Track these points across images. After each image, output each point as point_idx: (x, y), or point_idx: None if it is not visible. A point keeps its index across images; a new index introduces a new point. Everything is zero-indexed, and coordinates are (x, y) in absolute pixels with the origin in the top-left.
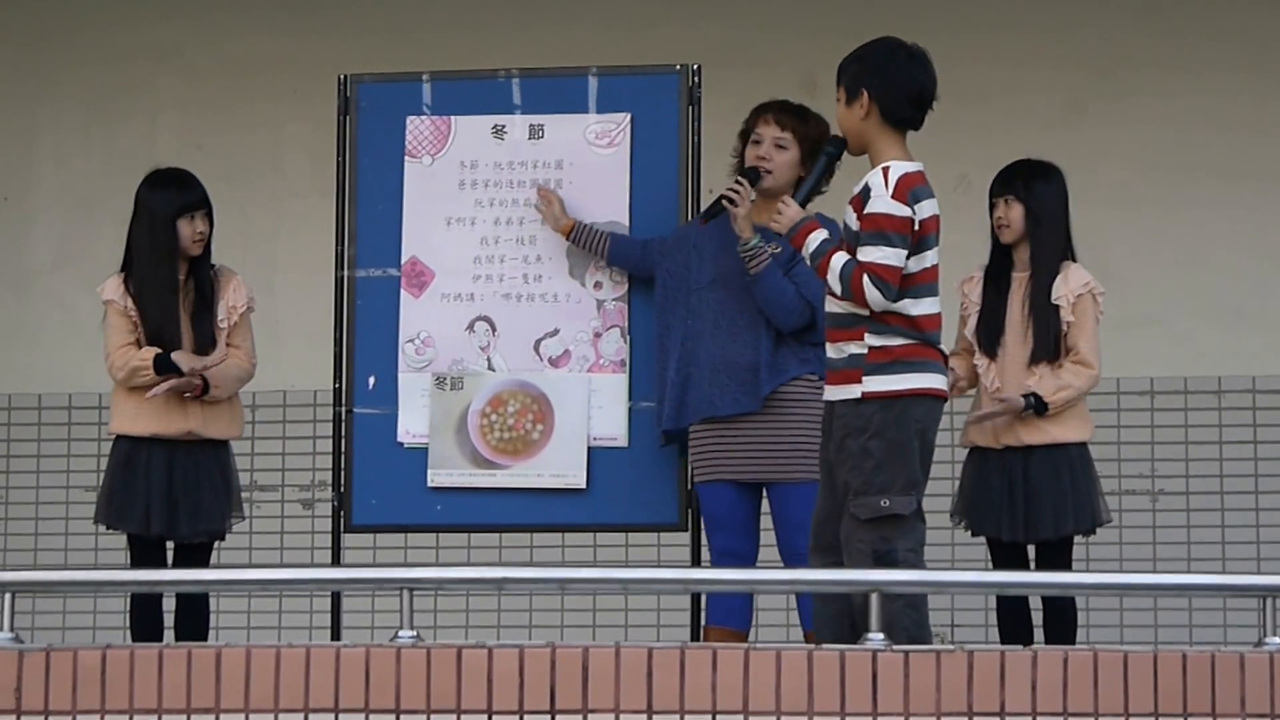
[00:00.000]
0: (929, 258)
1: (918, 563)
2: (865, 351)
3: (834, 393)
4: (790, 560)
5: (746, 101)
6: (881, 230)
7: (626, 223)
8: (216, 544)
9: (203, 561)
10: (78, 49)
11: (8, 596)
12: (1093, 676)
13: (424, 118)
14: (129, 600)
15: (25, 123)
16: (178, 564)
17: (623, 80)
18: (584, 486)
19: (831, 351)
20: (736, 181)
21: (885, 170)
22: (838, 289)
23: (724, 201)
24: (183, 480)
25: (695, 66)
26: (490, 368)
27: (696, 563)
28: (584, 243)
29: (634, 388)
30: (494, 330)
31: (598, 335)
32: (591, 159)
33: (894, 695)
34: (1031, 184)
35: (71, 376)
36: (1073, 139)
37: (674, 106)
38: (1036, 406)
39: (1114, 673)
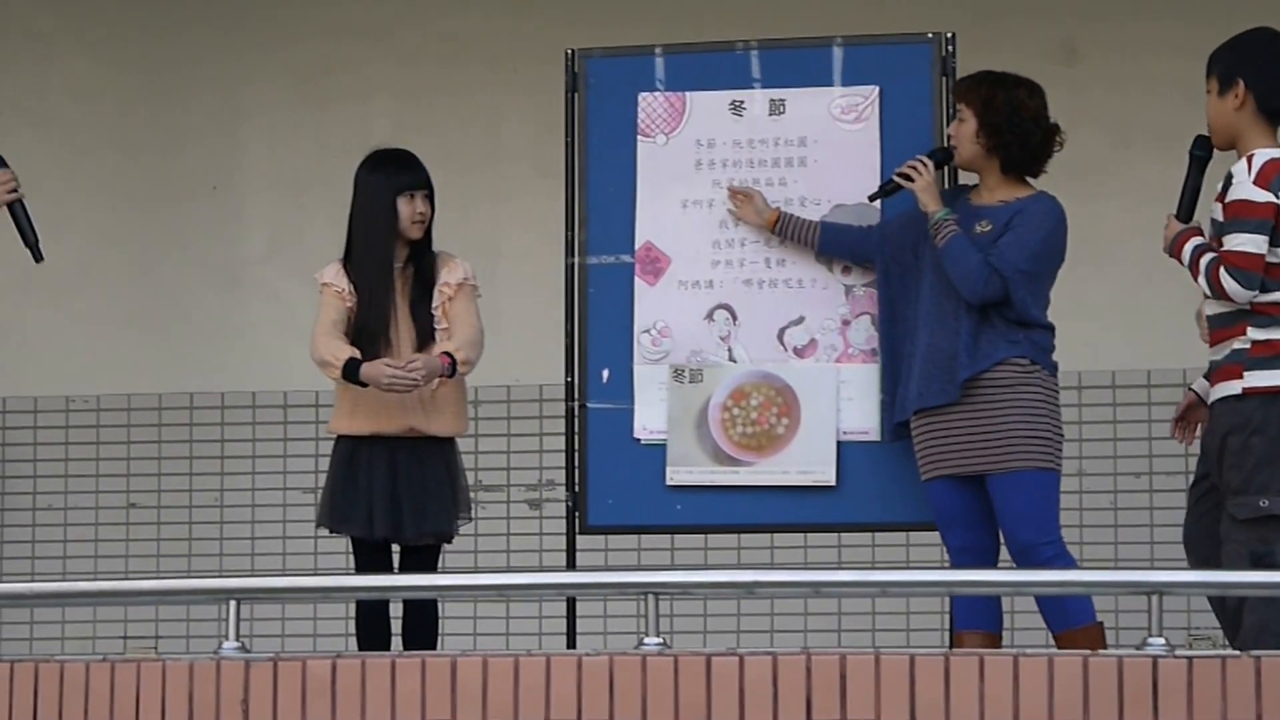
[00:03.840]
0: None
1: None
2: (1248, 346)
3: (1216, 391)
4: (1018, 556)
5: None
6: (1239, 217)
7: (877, 203)
8: (443, 547)
9: (430, 565)
10: (284, 29)
11: (233, 604)
12: None
13: (657, 94)
14: (354, 607)
15: (231, 107)
16: (404, 568)
17: (870, 50)
18: (834, 484)
19: (1214, 353)
20: (918, 160)
21: (1250, 157)
22: (1205, 288)
23: (898, 179)
24: (407, 480)
25: (949, 35)
26: (731, 359)
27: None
28: (791, 234)
29: (886, 378)
30: (735, 319)
31: (846, 323)
32: (837, 135)
33: (1176, 704)
34: None
35: (286, 373)
36: None
37: (926, 78)
38: None
39: None
